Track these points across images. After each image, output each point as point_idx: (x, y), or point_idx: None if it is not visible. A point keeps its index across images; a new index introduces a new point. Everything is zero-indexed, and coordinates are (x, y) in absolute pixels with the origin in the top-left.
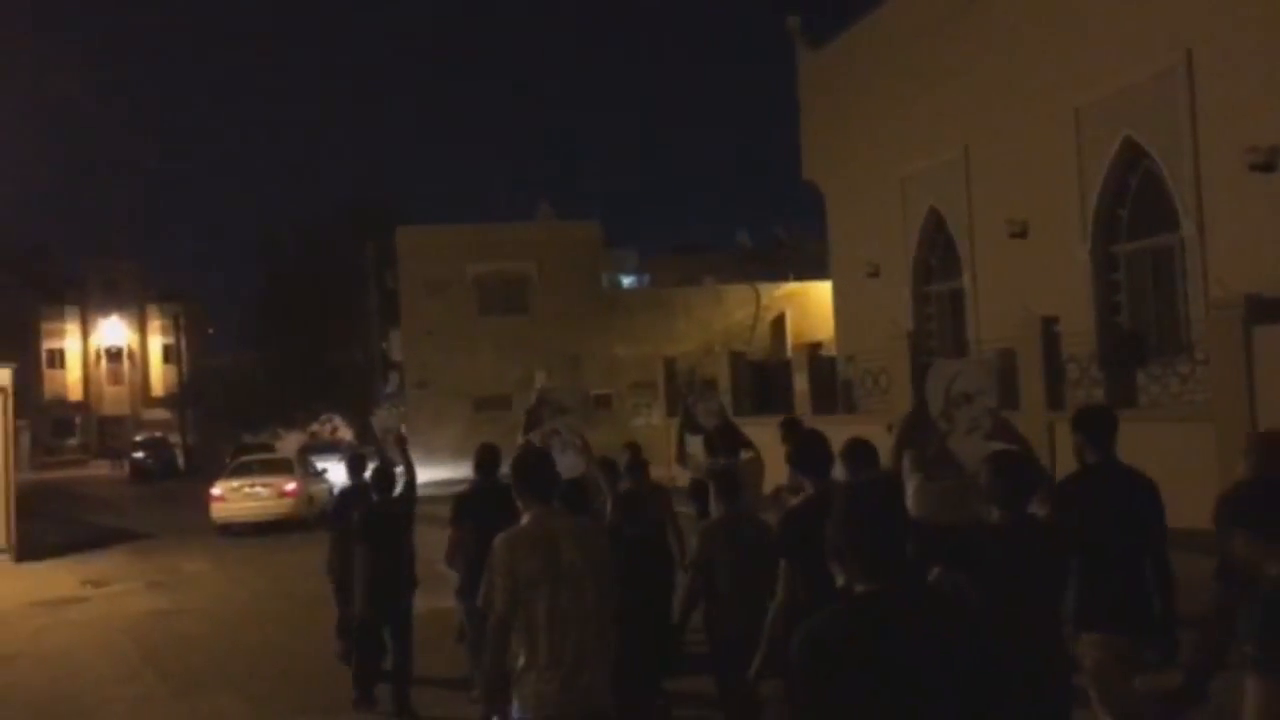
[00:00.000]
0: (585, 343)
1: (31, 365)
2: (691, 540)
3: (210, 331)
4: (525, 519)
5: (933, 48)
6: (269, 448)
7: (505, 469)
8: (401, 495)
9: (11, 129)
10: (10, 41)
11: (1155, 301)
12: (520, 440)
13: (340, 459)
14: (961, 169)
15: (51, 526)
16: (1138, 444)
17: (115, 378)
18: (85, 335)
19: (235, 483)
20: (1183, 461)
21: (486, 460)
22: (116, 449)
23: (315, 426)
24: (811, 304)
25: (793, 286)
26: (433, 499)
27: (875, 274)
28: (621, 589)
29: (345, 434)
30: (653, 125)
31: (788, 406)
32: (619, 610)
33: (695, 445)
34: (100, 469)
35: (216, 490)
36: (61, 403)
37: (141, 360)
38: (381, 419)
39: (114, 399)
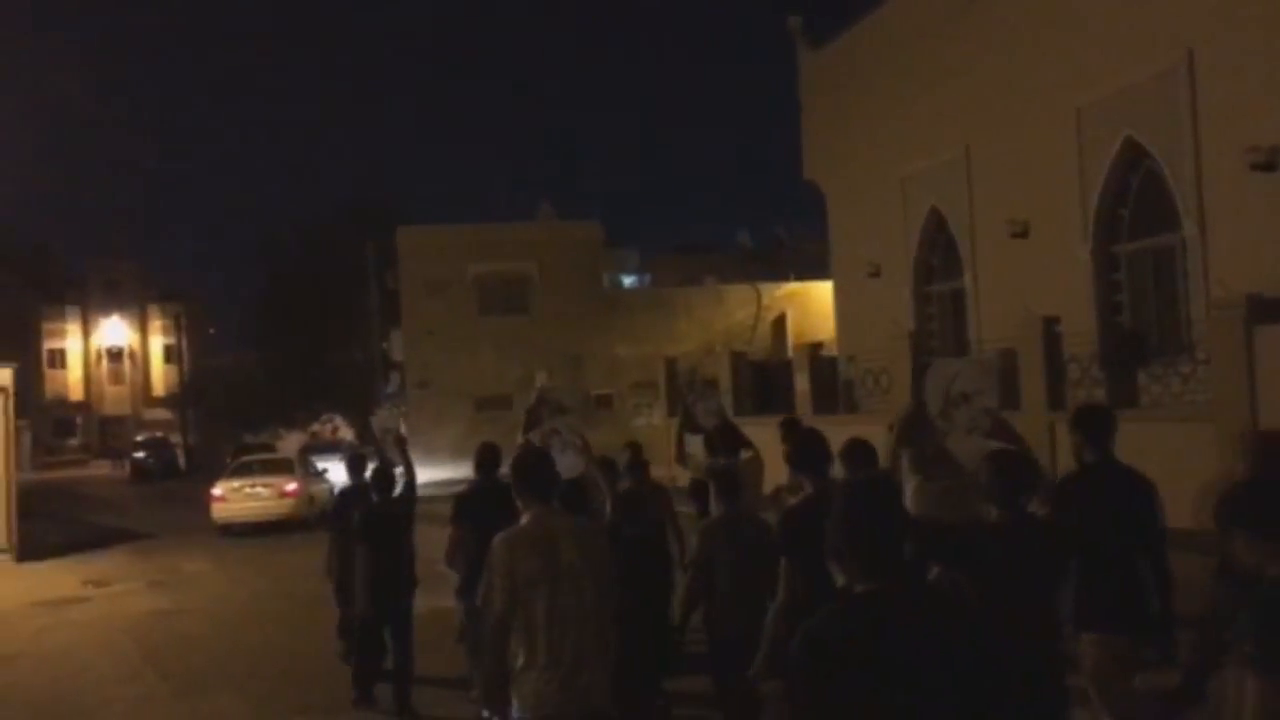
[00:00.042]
0: (586, 343)
1: (32, 365)
2: (691, 540)
3: (211, 331)
4: (525, 519)
5: (933, 48)
6: (270, 448)
7: (505, 468)
8: (401, 495)
9: (11, 129)
10: (10, 41)
11: (1156, 301)
12: (520, 440)
13: (341, 459)
14: (962, 169)
15: (52, 526)
16: (1139, 444)
17: (116, 378)
18: (86, 335)
19: (236, 483)
20: (1183, 461)
21: (487, 460)
22: (117, 449)
23: (316, 426)
24: (812, 304)
25: (793, 286)
26: (433, 499)
27: (876, 274)
28: (621, 589)
29: (346, 434)
30: (653, 125)
31: (789, 407)
32: (618, 610)
33: (695, 445)
34: (101, 469)
35: (217, 490)
36: (62, 403)
37: (142, 360)
38: (381, 419)
39: (115, 399)
